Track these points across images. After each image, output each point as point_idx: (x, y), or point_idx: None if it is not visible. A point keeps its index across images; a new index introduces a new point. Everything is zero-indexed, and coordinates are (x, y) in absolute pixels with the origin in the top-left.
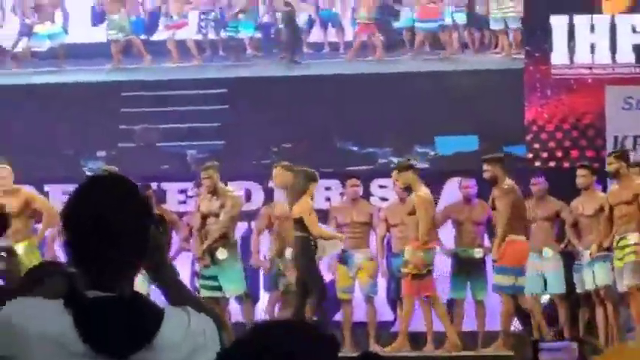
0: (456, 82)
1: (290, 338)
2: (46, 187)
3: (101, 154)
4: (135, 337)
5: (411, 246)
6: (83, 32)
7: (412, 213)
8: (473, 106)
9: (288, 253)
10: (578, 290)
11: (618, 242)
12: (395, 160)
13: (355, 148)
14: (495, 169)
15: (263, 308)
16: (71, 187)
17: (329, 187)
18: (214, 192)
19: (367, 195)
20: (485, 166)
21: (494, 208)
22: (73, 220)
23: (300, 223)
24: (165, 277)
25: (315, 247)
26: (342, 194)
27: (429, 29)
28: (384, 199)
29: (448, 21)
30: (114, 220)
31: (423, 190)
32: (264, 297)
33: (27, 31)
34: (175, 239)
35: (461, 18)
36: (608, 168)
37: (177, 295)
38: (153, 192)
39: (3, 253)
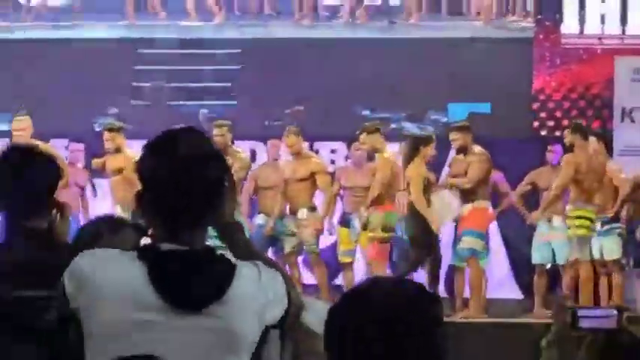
0: (470, 50)
1: (394, 298)
2: (55, 141)
3: (113, 110)
4: (208, 290)
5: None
6: None
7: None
8: (486, 74)
9: (301, 213)
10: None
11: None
12: (408, 125)
13: (367, 113)
14: (465, 137)
15: None
16: (78, 143)
17: (334, 150)
18: (224, 151)
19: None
20: (454, 135)
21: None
22: (148, 173)
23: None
24: (233, 232)
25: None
26: (347, 157)
27: None
28: None
29: None
30: (189, 173)
31: (389, 152)
32: None
33: None
34: None
35: None
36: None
37: (247, 251)
38: None
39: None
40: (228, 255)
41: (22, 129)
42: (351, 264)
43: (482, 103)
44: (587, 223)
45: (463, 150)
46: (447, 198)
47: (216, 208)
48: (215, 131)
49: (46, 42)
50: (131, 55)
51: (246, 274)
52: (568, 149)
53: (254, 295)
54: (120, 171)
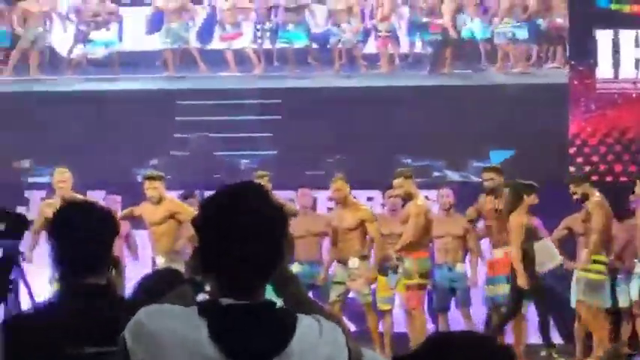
0: (507, 95)
1: (469, 352)
2: (94, 193)
3: (154, 162)
4: (269, 345)
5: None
6: (138, 40)
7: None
8: (523, 120)
9: (353, 262)
10: (621, 304)
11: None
12: (449, 173)
13: (408, 161)
14: (500, 179)
15: None
16: (115, 195)
17: (371, 198)
18: None
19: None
20: (489, 175)
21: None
22: (207, 230)
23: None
24: (292, 287)
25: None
26: (383, 205)
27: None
28: None
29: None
30: (252, 228)
31: (422, 199)
32: None
33: (83, 38)
34: None
35: (522, 33)
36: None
37: (306, 305)
38: (197, 197)
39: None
40: (288, 308)
41: (63, 181)
42: (390, 311)
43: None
44: (602, 268)
45: (493, 192)
46: (549, 245)
47: (279, 263)
48: (256, 180)
49: (86, 94)
50: (171, 107)
51: (307, 327)
52: (582, 199)
53: (315, 349)
54: (164, 220)
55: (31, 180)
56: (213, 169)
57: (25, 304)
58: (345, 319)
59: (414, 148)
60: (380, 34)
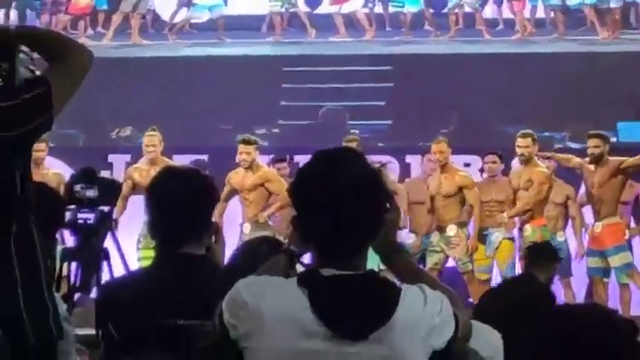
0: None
1: (595, 327)
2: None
3: (260, 130)
4: (373, 317)
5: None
6: (243, 3)
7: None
8: None
9: (451, 229)
10: None
11: None
12: (573, 145)
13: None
14: (532, 148)
15: None
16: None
17: (468, 164)
18: None
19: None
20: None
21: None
22: (304, 197)
23: None
24: (397, 256)
25: None
26: (481, 170)
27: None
28: None
29: None
30: (347, 197)
31: (544, 165)
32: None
33: (186, 2)
34: None
35: None
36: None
37: (412, 273)
38: (288, 162)
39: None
40: (392, 278)
41: (153, 145)
42: (488, 280)
43: None
44: None
45: (598, 160)
46: None
47: (376, 231)
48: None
49: (189, 60)
50: (278, 73)
51: (412, 298)
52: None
53: (420, 320)
54: (254, 187)
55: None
56: (321, 139)
57: (118, 271)
58: None
59: (536, 119)
60: None
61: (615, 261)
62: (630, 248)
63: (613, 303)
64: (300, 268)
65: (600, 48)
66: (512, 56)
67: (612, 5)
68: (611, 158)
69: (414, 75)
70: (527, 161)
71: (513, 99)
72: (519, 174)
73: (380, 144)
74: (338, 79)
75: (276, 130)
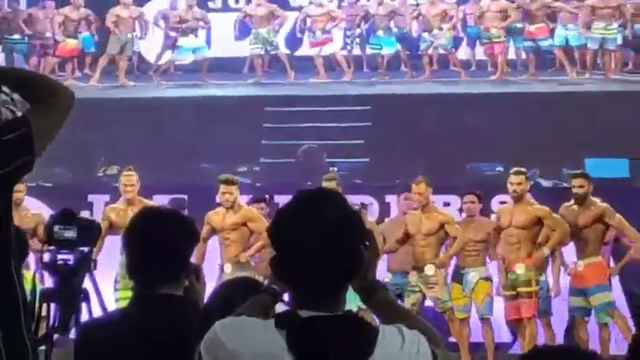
0: (607, 104)
1: None
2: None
3: (242, 169)
4: (349, 358)
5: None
6: (226, 46)
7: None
8: (624, 128)
9: (429, 269)
10: None
11: None
12: (543, 182)
13: (501, 169)
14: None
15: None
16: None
17: (448, 203)
18: None
19: (488, 212)
20: (581, 182)
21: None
22: (282, 239)
23: None
24: (377, 295)
25: None
26: (460, 210)
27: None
28: None
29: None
30: (324, 239)
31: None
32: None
33: (171, 45)
34: None
35: (615, 40)
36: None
37: (392, 311)
38: (267, 202)
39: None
40: (372, 317)
41: (131, 184)
42: (466, 320)
43: (621, 159)
44: None
45: (582, 200)
46: None
47: (354, 272)
48: (324, 184)
49: (173, 101)
50: (259, 113)
51: (389, 339)
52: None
53: None
54: (236, 227)
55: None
56: (303, 177)
57: (96, 312)
58: None
59: (506, 156)
60: (486, 40)
61: (596, 300)
62: (610, 287)
63: (592, 343)
64: (282, 307)
65: (568, 88)
66: (486, 96)
67: (590, 46)
68: (596, 201)
69: (391, 114)
70: (519, 199)
71: (486, 137)
72: (510, 212)
73: (357, 181)
74: (318, 119)
75: (257, 169)
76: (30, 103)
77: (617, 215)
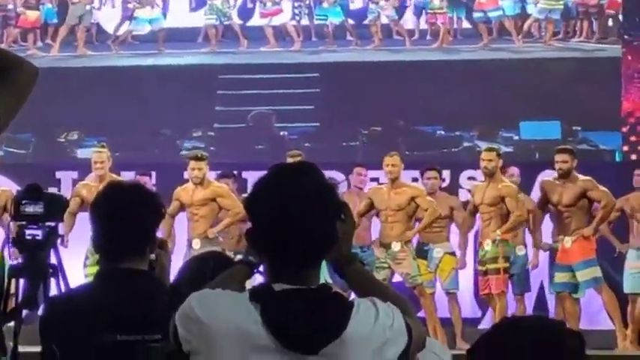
0: (548, 69)
1: (539, 336)
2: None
3: (197, 133)
4: (324, 332)
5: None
6: (181, 17)
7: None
8: (563, 94)
9: (395, 245)
10: None
11: None
12: (480, 143)
13: (442, 132)
14: (496, 161)
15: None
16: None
17: (415, 179)
18: None
19: (456, 187)
20: (564, 157)
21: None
22: (258, 211)
23: None
24: (351, 267)
25: None
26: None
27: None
28: None
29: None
30: (300, 211)
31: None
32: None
33: (128, 16)
34: None
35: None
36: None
37: (366, 283)
38: (234, 177)
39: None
40: (344, 292)
41: (102, 161)
42: (432, 294)
43: (553, 121)
44: None
45: (566, 175)
46: None
47: (330, 246)
48: (288, 161)
49: (130, 70)
50: (213, 81)
51: (363, 313)
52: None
53: (372, 334)
54: (205, 202)
55: (79, 151)
56: (254, 142)
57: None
58: None
59: (447, 120)
60: (430, 10)
61: (583, 275)
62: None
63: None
64: (259, 278)
65: (506, 55)
66: (427, 63)
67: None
68: (579, 176)
69: (337, 81)
70: (491, 175)
71: (427, 102)
72: (482, 189)
73: (307, 144)
74: (269, 86)
75: (212, 134)
76: None
77: (601, 187)
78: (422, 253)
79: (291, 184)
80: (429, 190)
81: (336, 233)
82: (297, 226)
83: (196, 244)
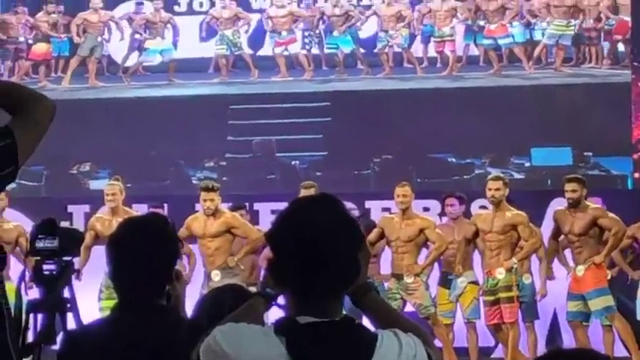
0: (558, 95)
1: None
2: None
3: (209, 164)
4: None
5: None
6: (192, 47)
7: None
8: (582, 121)
9: (407, 276)
10: None
11: None
12: (492, 171)
13: (453, 160)
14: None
15: None
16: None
17: (427, 208)
18: None
19: (468, 215)
20: (574, 186)
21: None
22: (282, 244)
23: None
24: (368, 297)
25: None
26: (440, 215)
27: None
28: None
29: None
30: (326, 244)
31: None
32: None
33: (138, 47)
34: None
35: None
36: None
37: (383, 313)
38: (246, 209)
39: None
40: (367, 324)
41: (114, 193)
42: (451, 325)
43: (564, 147)
44: None
45: (576, 205)
46: None
47: (355, 276)
48: (302, 192)
49: (141, 101)
50: (224, 111)
51: (387, 345)
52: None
53: None
54: (219, 234)
55: (92, 183)
56: (268, 171)
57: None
58: None
59: (457, 147)
60: (437, 39)
61: (595, 305)
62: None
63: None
64: (276, 311)
65: (517, 81)
66: (438, 91)
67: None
68: (589, 204)
69: (349, 110)
70: (497, 204)
71: (438, 130)
72: (489, 218)
73: (318, 173)
74: (280, 115)
75: (224, 163)
76: (12, 114)
77: (611, 215)
78: (446, 282)
79: (316, 216)
80: (450, 216)
81: (360, 264)
82: (323, 258)
83: (216, 275)
